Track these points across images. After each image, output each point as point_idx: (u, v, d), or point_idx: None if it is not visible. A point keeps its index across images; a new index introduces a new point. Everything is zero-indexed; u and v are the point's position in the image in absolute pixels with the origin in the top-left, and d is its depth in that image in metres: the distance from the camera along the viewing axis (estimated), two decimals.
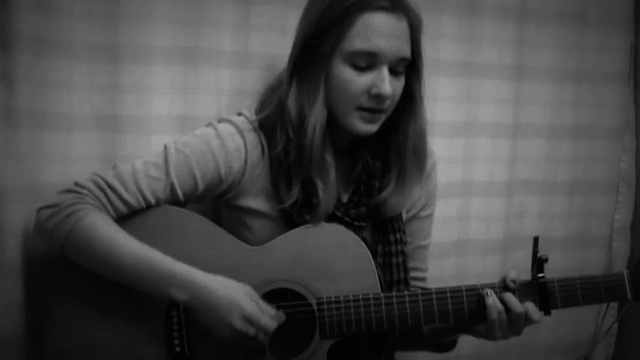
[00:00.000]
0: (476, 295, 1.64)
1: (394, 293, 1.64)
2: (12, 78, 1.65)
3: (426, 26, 1.94)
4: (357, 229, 1.72)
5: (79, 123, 1.77)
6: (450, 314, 1.64)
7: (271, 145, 1.68)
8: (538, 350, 2.38)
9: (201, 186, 1.66)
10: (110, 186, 1.60)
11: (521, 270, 1.67)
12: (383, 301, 1.62)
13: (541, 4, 2.25)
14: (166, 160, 1.64)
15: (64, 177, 1.71)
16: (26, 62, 1.66)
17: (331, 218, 1.69)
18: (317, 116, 1.63)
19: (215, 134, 1.68)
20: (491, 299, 1.62)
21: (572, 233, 2.41)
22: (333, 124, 1.68)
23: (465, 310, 1.64)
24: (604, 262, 2.46)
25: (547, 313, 1.65)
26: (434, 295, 1.64)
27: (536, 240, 1.65)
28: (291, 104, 1.65)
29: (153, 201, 1.63)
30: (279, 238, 1.66)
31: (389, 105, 1.66)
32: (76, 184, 1.61)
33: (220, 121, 1.72)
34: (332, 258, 1.64)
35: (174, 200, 1.65)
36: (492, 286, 1.65)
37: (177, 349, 1.58)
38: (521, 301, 1.63)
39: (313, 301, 1.62)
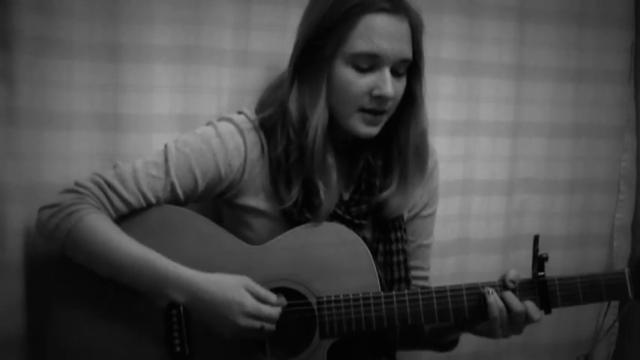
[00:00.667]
0: (476, 293, 1.64)
1: (394, 292, 1.64)
2: (12, 77, 1.65)
3: (426, 25, 1.94)
4: (357, 228, 1.72)
5: (79, 122, 1.78)
6: (450, 313, 1.64)
7: (271, 145, 1.68)
8: (538, 349, 2.38)
9: (201, 185, 1.66)
10: (110, 185, 1.60)
11: (521, 269, 1.67)
12: (383, 300, 1.62)
13: (541, 4, 2.25)
14: (166, 160, 1.64)
15: (65, 176, 1.71)
16: (27, 61, 1.67)
17: (332, 216, 1.69)
18: (319, 118, 1.63)
19: (215, 133, 1.68)
20: (493, 297, 1.62)
21: (573, 232, 2.41)
22: (334, 123, 1.68)
23: (465, 309, 1.64)
24: (605, 260, 2.46)
25: (548, 311, 1.65)
26: (434, 294, 1.64)
27: (536, 238, 1.65)
28: (292, 105, 1.65)
29: (153, 200, 1.63)
30: (279, 237, 1.66)
31: (391, 106, 1.67)
32: (77, 184, 1.61)
33: (220, 119, 1.72)
34: (332, 257, 1.64)
35: (174, 199, 1.65)
36: (492, 285, 1.65)
37: (178, 348, 1.58)
38: (522, 299, 1.63)
39: (313, 300, 1.62)
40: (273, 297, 1.56)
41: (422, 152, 1.75)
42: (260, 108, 1.72)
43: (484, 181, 2.26)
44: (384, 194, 1.72)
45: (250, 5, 1.91)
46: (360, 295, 1.62)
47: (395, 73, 1.65)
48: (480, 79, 2.21)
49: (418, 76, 1.72)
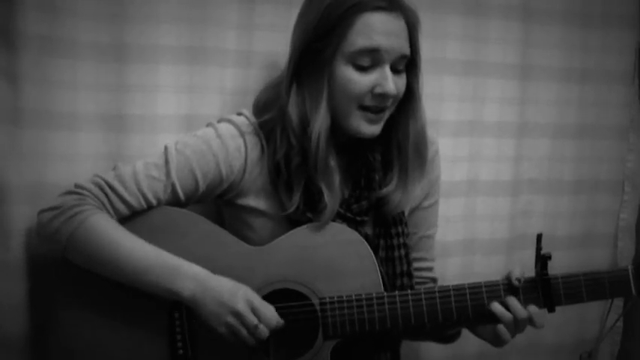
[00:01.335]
0: (480, 293, 1.64)
1: (397, 293, 1.63)
2: (17, 77, 1.65)
3: (431, 26, 1.95)
4: (358, 224, 1.72)
5: (84, 122, 1.78)
6: (454, 313, 1.64)
7: (270, 148, 1.68)
8: (542, 349, 2.38)
9: (202, 186, 1.66)
10: (111, 187, 1.60)
11: (526, 269, 1.66)
12: (386, 300, 1.62)
13: (546, 4, 2.24)
14: (167, 161, 1.64)
15: (69, 177, 1.71)
16: (31, 61, 1.67)
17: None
18: (321, 122, 1.64)
19: (215, 134, 1.68)
20: (498, 308, 1.62)
21: (578, 232, 2.40)
22: (335, 124, 1.68)
23: (469, 309, 1.64)
24: (609, 261, 2.46)
25: (551, 310, 1.65)
26: (437, 294, 1.64)
27: (539, 237, 1.64)
28: (292, 110, 1.65)
29: (154, 201, 1.63)
30: (280, 237, 1.65)
31: (392, 103, 1.67)
32: (77, 185, 1.61)
33: (220, 121, 1.72)
34: (334, 257, 1.64)
35: (175, 201, 1.65)
36: (496, 284, 1.65)
37: (181, 351, 1.59)
38: (525, 299, 1.63)
39: (316, 301, 1.62)
40: (273, 315, 1.54)
41: (421, 148, 1.75)
42: (257, 110, 1.72)
43: (489, 181, 2.25)
44: (385, 190, 1.72)
45: (254, 6, 1.91)
46: (363, 296, 1.62)
47: (395, 70, 1.65)
48: (484, 80, 2.21)
49: (415, 72, 1.72)
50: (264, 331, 1.53)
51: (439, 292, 1.64)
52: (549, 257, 1.63)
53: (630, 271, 1.66)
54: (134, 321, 1.60)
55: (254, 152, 1.69)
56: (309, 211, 1.66)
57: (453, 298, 1.64)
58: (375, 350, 1.74)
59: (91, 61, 1.76)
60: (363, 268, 1.64)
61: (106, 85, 1.79)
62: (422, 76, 1.73)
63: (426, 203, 1.87)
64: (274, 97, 1.70)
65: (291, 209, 1.65)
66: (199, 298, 1.53)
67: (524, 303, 1.63)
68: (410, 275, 1.76)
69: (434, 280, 1.90)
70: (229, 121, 1.71)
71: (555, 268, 1.66)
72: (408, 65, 1.70)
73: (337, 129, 1.69)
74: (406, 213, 1.81)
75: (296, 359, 1.61)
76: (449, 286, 1.65)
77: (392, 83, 1.63)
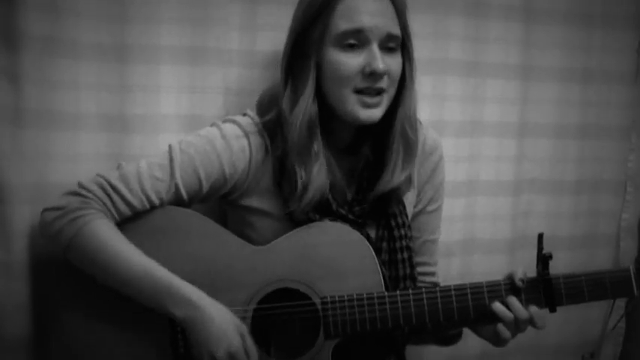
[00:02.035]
0: (481, 293, 1.64)
1: (398, 292, 1.63)
2: (19, 78, 1.65)
3: (432, 26, 1.95)
4: (361, 227, 1.71)
5: (86, 122, 1.78)
6: (455, 312, 1.64)
7: (274, 147, 1.68)
8: (545, 350, 2.38)
9: (205, 186, 1.66)
10: (114, 188, 1.60)
11: (527, 270, 1.66)
12: (387, 300, 1.62)
13: (547, 4, 2.24)
14: (171, 161, 1.64)
15: (71, 177, 1.70)
16: (32, 62, 1.67)
17: (336, 216, 1.69)
18: (305, 106, 1.63)
19: (220, 135, 1.68)
20: (499, 308, 1.62)
21: (579, 232, 2.40)
22: (334, 120, 1.69)
23: (470, 308, 1.64)
24: (611, 261, 2.45)
25: (552, 310, 1.65)
26: (438, 294, 1.64)
27: (540, 237, 1.64)
28: (286, 104, 1.66)
29: (157, 202, 1.63)
30: (282, 237, 1.66)
31: (388, 85, 1.65)
32: (80, 185, 1.60)
33: (225, 121, 1.72)
34: (335, 257, 1.64)
35: (178, 201, 1.65)
36: (497, 284, 1.65)
37: (182, 350, 1.59)
38: (527, 299, 1.63)
39: (317, 300, 1.62)
40: (256, 353, 1.56)
41: (410, 133, 1.72)
42: (260, 110, 1.73)
43: (490, 181, 2.25)
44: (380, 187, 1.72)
45: (256, 6, 1.92)
46: (365, 296, 1.62)
47: (385, 50, 1.64)
48: (486, 80, 2.21)
49: (407, 56, 1.71)
50: None
51: (440, 291, 1.64)
52: (550, 257, 1.63)
53: (632, 271, 1.66)
54: (135, 321, 1.60)
55: (259, 153, 1.69)
56: (313, 209, 1.66)
57: (454, 298, 1.64)
58: (380, 354, 1.74)
59: (92, 61, 1.77)
60: (365, 268, 1.64)
61: (108, 85, 1.80)
62: (415, 60, 1.72)
63: (430, 208, 1.88)
64: (276, 96, 1.70)
65: (294, 206, 1.65)
66: (189, 324, 1.54)
67: (526, 303, 1.63)
68: (413, 278, 1.76)
69: (437, 285, 1.90)
70: (234, 121, 1.70)
71: (557, 268, 1.66)
72: (400, 49, 1.69)
73: (336, 124, 1.69)
74: (410, 215, 1.81)
75: (297, 359, 1.61)
76: (450, 285, 1.65)
77: (380, 61, 1.61)
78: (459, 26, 2.14)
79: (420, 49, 1.81)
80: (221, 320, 1.53)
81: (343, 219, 1.70)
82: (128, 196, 1.60)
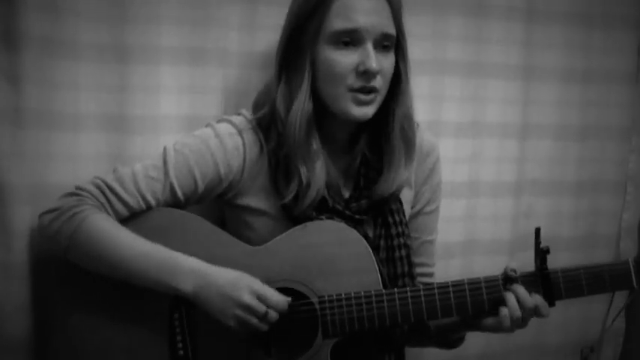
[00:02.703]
0: (479, 289, 1.64)
1: (396, 290, 1.63)
2: (18, 78, 1.66)
3: (432, 27, 1.94)
4: (358, 223, 1.71)
5: (86, 123, 1.78)
6: (453, 309, 1.64)
7: (268, 143, 1.68)
8: (545, 349, 2.38)
9: (200, 186, 1.66)
10: (110, 188, 1.61)
11: (526, 266, 1.66)
12: (385, 297, 1.62)
13: (548, 5, 2.24)
14: (165, 161, 1.64)
15: (71, 177, 1.71)
16: (32, 62, 1.67)
17: (332, 212, 1.69)
18: (302, 104, 1.64)
19: (213, 134, 1.68)
20: (509, 295, 1.62)
21: (580, 233, 2.40)
22: (328, 117, 1.69)
23: (468, 304, 1.64)
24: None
25: (552, 304, 1.64)
26: (436, 290, 1.63)
27: (537, 231, 1.64)
28: (279, 99, 1.67)
29: (153, 202, 1.63)
30: (279, 237, 1.65)
31: (381, 84, 1.66)
32: (77, 187, 1.62)
33: (219, 121, 1.73)
34: (333, 256, 1.64)
35: (174, 201, 1.65)
36: (495, 279, 1.64)
37: (181, 352, 1.59)
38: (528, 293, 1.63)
39: (315, 299, 1.62)
40: (278, 296, 1.55)
41: (407, 132, 1.73)
42: (255, 108, 1.73)
43: (491, 182, 2.25)
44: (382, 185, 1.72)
45: (256, 6, 1.92)
46: (362, 294, 1.61)
47: (379, 48, 1.64)
48: (486, 81, 2.21)
49: (402, 56, 1.71)
50: (273, 315, 1.54)
51: (438, 288, 1.64)
52: (548, 251, 1.62)
53: (631, 263, 1.65)
54: (135, 322, 1.61)
55: (253, 150, 1.69)
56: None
57: (452, 294, 1.63)
58: (379, 353, 1.74)
59: (92, 61, 1.77)
60: (362, 266, 1.64)
61: (108, 85, 1.79)
62: (409, 59, 1.72)
63: (427, 209, 1.88)
64: (269, 91, 1.71)
65: (289, 197, 1.65)
66: (201, 293, 1.54)
67: None
68: (412, 276, 1.76)
69: None
70: (227, 120, 1.71)
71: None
72: (395, 48, 1.69)
73: (331, 121, 1.70)
74: (408, 215, 1.81)
75: (296, 358, 1.61)
76: (448, 282, 1.64)
77: (374, 60, 1.62)
78: (459, 26, 2.15)
79: (421, 50, 1.82)
80: (231, 274, 1.54)
81: (340, 215, 1.70)
82: (124, 195, 1.61)
